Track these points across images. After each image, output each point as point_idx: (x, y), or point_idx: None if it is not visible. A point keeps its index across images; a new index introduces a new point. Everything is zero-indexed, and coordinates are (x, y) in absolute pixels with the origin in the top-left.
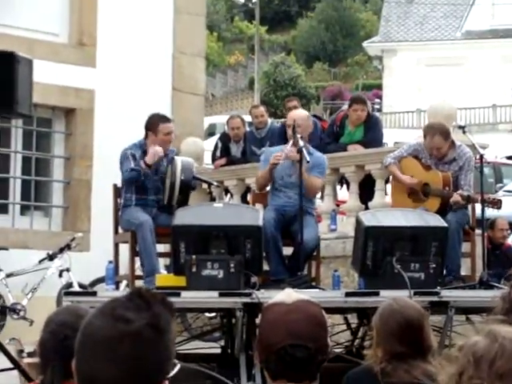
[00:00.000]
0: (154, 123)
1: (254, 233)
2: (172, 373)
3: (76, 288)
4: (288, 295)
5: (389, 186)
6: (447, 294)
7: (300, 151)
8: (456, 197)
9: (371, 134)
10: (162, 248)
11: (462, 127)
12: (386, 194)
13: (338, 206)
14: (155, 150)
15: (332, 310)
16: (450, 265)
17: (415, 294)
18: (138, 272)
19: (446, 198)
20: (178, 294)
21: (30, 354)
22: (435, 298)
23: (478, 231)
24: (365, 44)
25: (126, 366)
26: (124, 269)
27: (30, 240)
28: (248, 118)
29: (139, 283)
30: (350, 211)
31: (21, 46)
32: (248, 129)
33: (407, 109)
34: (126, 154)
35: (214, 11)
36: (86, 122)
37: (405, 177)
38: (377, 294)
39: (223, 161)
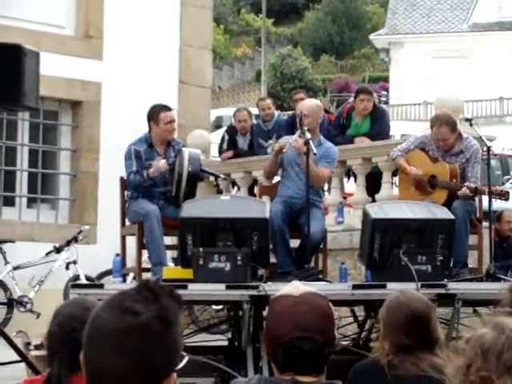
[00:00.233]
0: (155, 112)
1: (261, 225)
2: (180, 365)
3: (83, 280)
4: (295, 288)
5: (397, 179)
6: (454, 287)
7: (307, 143)
8: (464, 190)
9: (378, 126)
10: (169, 240)
11: (468, 119)
12: (396, 186)
13: (344, 198)
14: (159, 166)
15: (339, 303)
16: (457, 255)
17: (422, 286)
18: (145, 264)
19: (453, 189)
20: (185, 287)
21: (37, 347)
22: (442, 291)
23: (485, 224)
24: (371, 36)
25: (134, 359)
26: (131, 261)
27: (36, 233)
28: (255, 111)
29: (146, 276)
30: (357, 204)
31: (27, 39)
32: (255, 121)
33: (414, 101)
34: (129, 151)
35: (220, 4)
36: (93, 114)
37: (412, 168)
38: (384, 286)
39: (230, 153)
